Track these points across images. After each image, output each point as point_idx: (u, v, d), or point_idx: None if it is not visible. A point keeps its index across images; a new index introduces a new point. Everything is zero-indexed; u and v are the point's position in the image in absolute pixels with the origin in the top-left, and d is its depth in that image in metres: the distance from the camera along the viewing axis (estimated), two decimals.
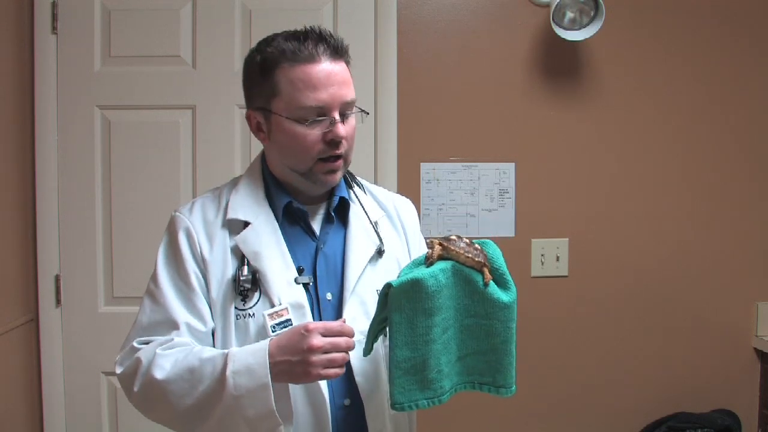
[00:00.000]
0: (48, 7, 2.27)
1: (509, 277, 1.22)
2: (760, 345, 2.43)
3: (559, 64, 2.39)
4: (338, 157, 1.28)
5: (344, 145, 1.28)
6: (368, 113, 1.34)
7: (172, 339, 1.25)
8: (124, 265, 2.30)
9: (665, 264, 2.44)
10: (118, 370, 1.28)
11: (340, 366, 1.17)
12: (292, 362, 1.15)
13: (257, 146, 1.40)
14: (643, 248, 2.43)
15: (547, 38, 2.37)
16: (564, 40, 2.28)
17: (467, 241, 1.20)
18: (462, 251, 1.18)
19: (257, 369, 1.15)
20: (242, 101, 1.36)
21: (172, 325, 1.26)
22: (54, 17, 2.27)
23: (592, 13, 2.28)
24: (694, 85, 2.42)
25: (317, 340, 1.13)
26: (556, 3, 2.24)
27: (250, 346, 1.20)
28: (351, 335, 1.18)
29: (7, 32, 2.17)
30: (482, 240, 1.25)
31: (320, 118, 1.25)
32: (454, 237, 1.20)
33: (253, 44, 1.32)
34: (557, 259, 2.41)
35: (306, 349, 1.13)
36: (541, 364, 2.41)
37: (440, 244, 1.19)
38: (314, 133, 1.25)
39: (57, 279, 2.30)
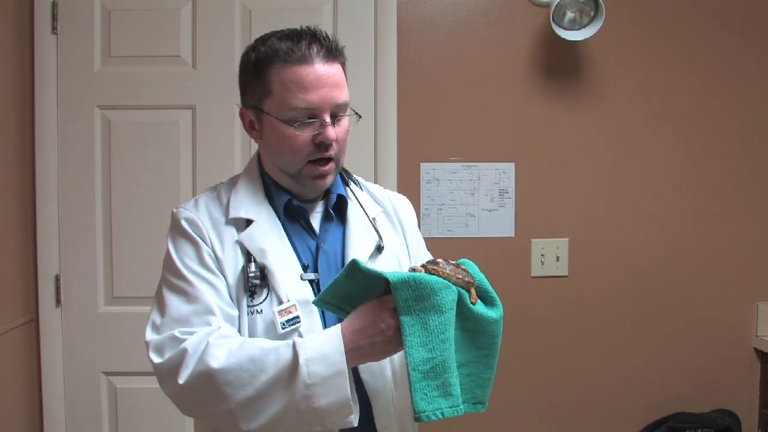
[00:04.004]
0: (48, 7, 2.27)
1: (495, 294, 1.24)
2: (760, 345, 2.43)
3: (559, 64, 2.39)
4: (328, 160, 1.27)
5: (334, 147, 1.27)
6: (361, 116, 1.33)
7: (219, 327, 1.19)
8: (124, 265, 2.31)
9: (665, 264, 2.44)
10: (157, 360, 1.19)
11: None
12: (374, 342, 1.15)
13: (257, 146, 1.40)
14: (643, 248, 2.43)
15: (547, 38, 2.37)
16: (564, 40, 2.28)
17: (453, 263, 1.21)
18: (452, 273, 1.19)
19: (333, 356, 1.14)
20: None
21: (208, 311, 1.21)
22: (54, 17, 2.27)
23: (592, 13, 2.28)
24: (694, 85, 2.42)
25: (393, 317, 1.15)
26: (556, 3, 2.24)
27: (318, 335, 1.18)
28: None
29: (7, 32, 2.17)
30: (461, 260, 1.25)
31: (310, 120, 1.24)
32: (440, 260, 1.20)
33: None
34: (557, 259, 2.41)
35: (385, 328, 1.15)
36: (541, 364, 2.40)
37: (428, 270, 1.18)
38: (304, 135, 1.25)
39: (57, 279, 2.31)
